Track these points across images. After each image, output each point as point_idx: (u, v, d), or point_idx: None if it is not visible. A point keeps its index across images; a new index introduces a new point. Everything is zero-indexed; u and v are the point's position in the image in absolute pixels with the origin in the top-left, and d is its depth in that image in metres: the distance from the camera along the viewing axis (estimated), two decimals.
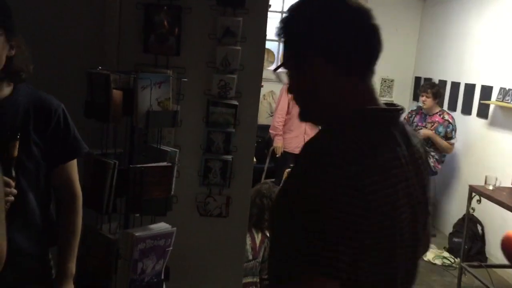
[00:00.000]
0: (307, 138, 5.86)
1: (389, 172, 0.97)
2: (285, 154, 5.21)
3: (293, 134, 5.27)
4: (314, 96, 1.05)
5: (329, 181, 0.89)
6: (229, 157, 2.43)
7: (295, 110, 5.02)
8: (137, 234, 1.99)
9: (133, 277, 2.02)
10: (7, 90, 1.62)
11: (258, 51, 2.40)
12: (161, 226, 2.12)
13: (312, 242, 0.88)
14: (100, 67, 1.99)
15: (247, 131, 2.45)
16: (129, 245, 1.99)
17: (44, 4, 2.25)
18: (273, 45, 6.99)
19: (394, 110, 1.05)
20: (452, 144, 5.23)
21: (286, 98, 5.17)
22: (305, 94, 1.07)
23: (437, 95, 5.29)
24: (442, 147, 5.22)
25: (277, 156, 5.23)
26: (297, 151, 5.32)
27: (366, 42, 1.02)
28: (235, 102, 2.38)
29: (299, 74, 1.05)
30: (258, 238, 3.28)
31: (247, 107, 2.41)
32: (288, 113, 5.22)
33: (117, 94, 1.95)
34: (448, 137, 5.21)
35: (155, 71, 2.13)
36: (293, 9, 1.08)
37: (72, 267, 1.80)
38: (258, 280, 3.23)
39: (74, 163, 1.80)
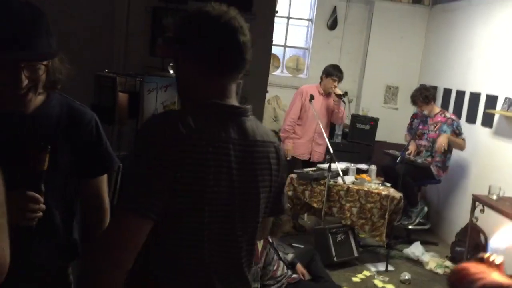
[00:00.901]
0: (315, 146, 5.82)
1: (205, 147, 1.24)
2: (292, 158, 5.20)
3: (302, 140, 5.27)
4: (181, 86, 1.36)
5: (155, 140, 1.21)
6: None
7: (307, 116, 5.03)
8: None
9: None
10: (40, 99, 1.50)
11: (265, 56, 2.41)
12: None
13: (133, 186, 1.21)
14: (106, 70, 2.00)
15: None
16: None
17: (52, 5, 2.26)
18: (279, 50, 6.99)
19: (238, 107, 1.34)
20: (464, 140, 5.19)
21: (300, 103, 5.17)
22: (177, 83, 1.38)
23: (429, 98, 5.26)
24: (460, 145, 5.16)
25: (287, 159, 5.19)
26: (303, 157, 5.31)
27: (227, 53, 1.29)
28: None
29: (176, 68, 1.37)
30: (260, 243, 3.27)
31: (252, 112, 2.41)
32: (299, 118, 5.23)
33: (123, 97, 1.96)
34: (457, 133, 5.18)
35: (161, 74, 2.14)
36: (177, 19, 1.37)
37: None
38: (259, 286, 3.21)
39: (104, 179, 1.65)
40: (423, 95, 5.24)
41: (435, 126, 5.27)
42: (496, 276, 0.24)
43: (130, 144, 2.12)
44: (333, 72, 5.20)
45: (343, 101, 5.38)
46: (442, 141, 5.12)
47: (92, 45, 2.30)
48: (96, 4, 2.32)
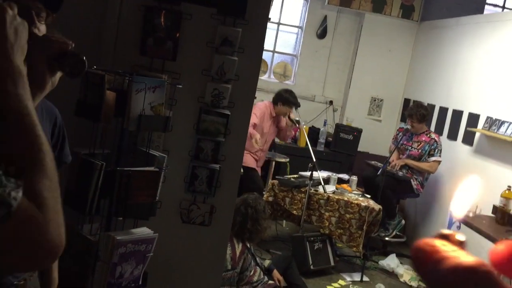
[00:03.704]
0: (259, 162, 5.63)
1: None
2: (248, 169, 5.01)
3: (250, 151, 5.10)
4: None
5: None
6: (216, 166, 2.42)
7: (260, 132, 4.92)
8: (118, 237, 1.97)
9: (111, 280, 1.99)
10: None
11: (255, 62, 2.40)
12: (143, 231, 2.10)
13: None
14: (95, 67, 1.97)
15: (237, 141, 2.44)
16: (109, 248, 1.97)
17: None
18: (267, 55, 7.01)
19: None
20: (434, 162, 5.24)
21: (263, 117, 5.16)
22: None
23: (424, 118, 5.32)
24: (423, 169, 5.26)
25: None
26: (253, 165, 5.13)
27: None
28: (227, 112, 2.38)
29: None
30: (238, 248, 3.27)
31: (239, 117, 2.41)
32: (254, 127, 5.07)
33: (110, 95, 1.93)
34: (430, 154, 5.26)
35: (150, 75, 2.12)
36: None
37: None
38: None
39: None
40: (420, 113, 5.25)
41: (419, 145, 5.33)
42: (464, 257, 0.22)
43: (115, 143, 2.10)
44: (291, 102, 5.14)
45: (298, 126, 5.38)
46: (398, 162, 5.26)
47: (81, 41, 2.27)
48: (89, 1, 2.29)
